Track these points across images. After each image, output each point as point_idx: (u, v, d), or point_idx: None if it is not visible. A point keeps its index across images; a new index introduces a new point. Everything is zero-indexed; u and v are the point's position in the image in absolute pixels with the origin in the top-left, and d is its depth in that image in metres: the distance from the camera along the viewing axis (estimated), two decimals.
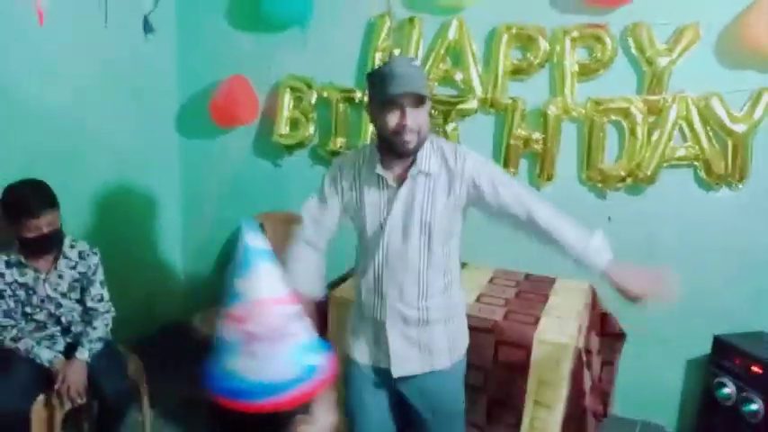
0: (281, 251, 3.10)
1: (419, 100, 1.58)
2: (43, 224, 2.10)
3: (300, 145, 3.04)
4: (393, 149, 1.62)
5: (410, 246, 1.68)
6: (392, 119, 1.58)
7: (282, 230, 3.12)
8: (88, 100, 2.75)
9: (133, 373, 2.37)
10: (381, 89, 1.57)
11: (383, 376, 1.79)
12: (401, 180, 1.66)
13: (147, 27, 3.02)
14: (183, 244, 3.45)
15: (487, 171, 1.68)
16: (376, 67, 1.81)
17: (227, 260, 3.27)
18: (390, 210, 1.67)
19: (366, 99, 1.80)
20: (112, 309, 2.35)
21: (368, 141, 2.82)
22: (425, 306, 1.72)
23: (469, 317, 2.17)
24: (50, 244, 2.17)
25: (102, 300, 2.33)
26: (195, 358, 2.99)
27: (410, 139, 1.59)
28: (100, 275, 2.32)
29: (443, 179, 1.66)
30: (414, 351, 1.75)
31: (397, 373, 1.75)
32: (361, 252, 1.79)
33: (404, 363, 1.75)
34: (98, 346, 2.25)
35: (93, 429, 2.38)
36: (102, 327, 2.28)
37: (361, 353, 1.81)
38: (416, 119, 1.59)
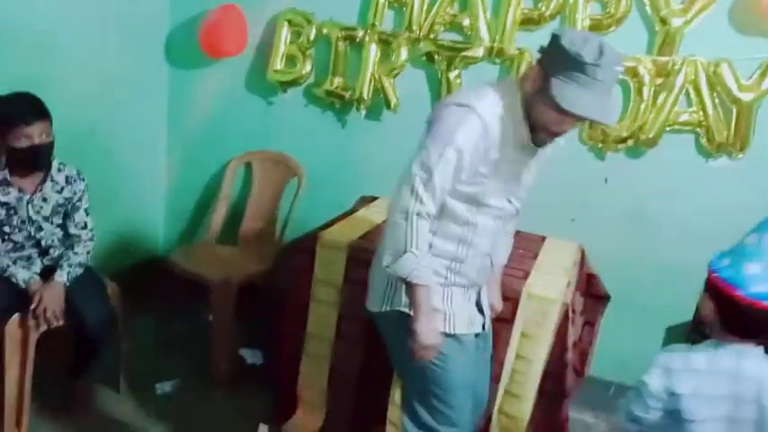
0: (268, 190, 3.06)
1: None
2: (35, 133, 2.00)
3: (295, 82, 2.93)
4: (531, 130, 1.49)
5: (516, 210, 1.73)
6: (549, 118, 1.42)
7: (272, 170, 3.06)
8: (73, 23, 2.60)
9: (112, 301, 2.32)
10: (566, 86, 1.34)
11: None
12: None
13: None
14: (167, 178, 3.36)
15: None
16: (575, 39, 1.35)
17: (211, 198, 3.19)
18: (521, 180, 1.63)
19: (541, 62, 1.43)
20: (95, 237, 2.29)
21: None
22: None
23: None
24: (40, 158, 2.07)
25: (85, 227, 2.27)
26: (170, 292, 3.00)
27: (551, 140, 1.51)
28: (85, 202, 2.26)
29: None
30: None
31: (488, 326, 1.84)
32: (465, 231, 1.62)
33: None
34: (78, 271, 2.19)
35: (71, 355, 2.34)
36: (83, 253, 2.23)
37: (464, 323, 1.71)
38: (572, 127, 1.47)
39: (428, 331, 1.56)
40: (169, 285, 2.82)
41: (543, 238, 2.55)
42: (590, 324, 2.56)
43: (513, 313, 2.06)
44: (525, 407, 2.10)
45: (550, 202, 2.64)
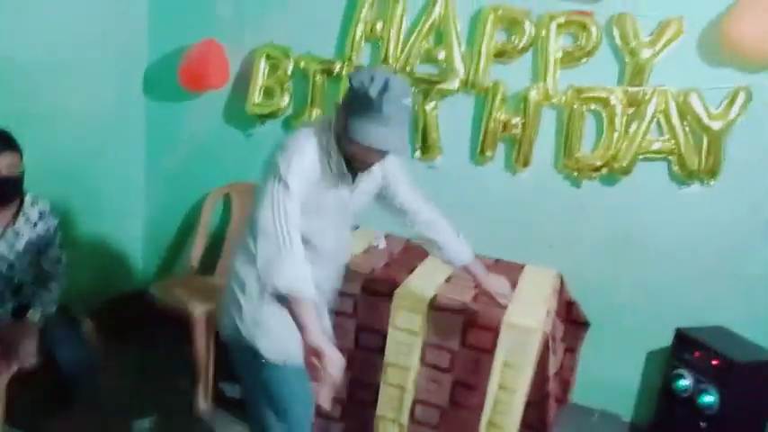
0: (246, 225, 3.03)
1: None
2: (2, 165, 1.98)
3: (273, 115, 2.94)
4: (346, 160, 1.59)
5: (346, 229, 1.80)
6: (356, 150, 1.52)
7: (250, 201, 3.04)
8: (51, 61, 2.59)
9: (89, 340, 2.28)
10: (357, 122, 1.45)
11: None
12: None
13: None
14: (145, 211, 3.33)
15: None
16: (363, 78, 1.46)
17: (190, 230, 3.16)
18: (347, 205, 1.69)
19: (341, 101, 1.57)
20: (66, 273, 2.26)
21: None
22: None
23: (439, 296, 2.16)
24: (9, 191, 2.05)
25: (59, 262, 2.24)
26: (150, 326, 2.94)
27: (362, 170, 1.62)
28: (59, 238, 2.24)
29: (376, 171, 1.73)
30: None
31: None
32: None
33: None
34: (51, 309, 2.16)
35: (45, 396, 2.28)
36: (56, 290, 2.20)
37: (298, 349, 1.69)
38: (381, 159, 1.57)
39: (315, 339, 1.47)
40: (149, 319, 2.77)
41: (522, 267, 2.57)
42: (570, 351, 2.57)
43: (494, 343, 2.07)
44: None
45: (528, 230, 2.68)
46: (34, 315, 2.10)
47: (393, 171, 1.82)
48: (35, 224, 2.16)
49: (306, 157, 1.54)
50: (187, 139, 3.17)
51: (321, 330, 1.50)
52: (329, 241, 1.70)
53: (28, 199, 2.15)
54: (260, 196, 1.54)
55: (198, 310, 2.55)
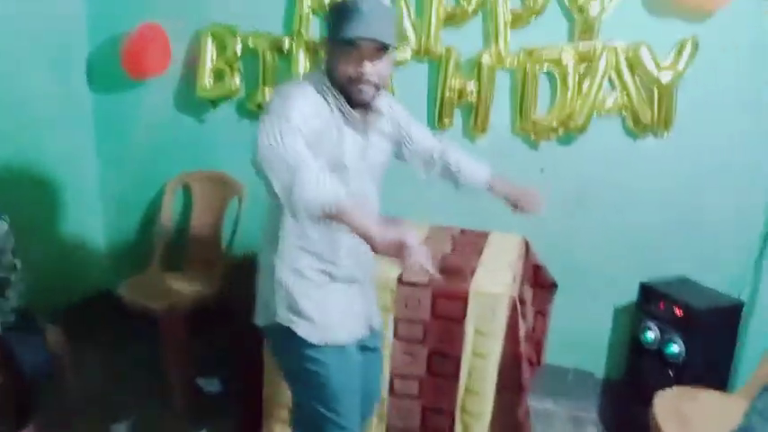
0: (209, 211, 2.97)
1: (383, 47, 1.46)
2: None
3: (226, 98, 2.86)
4: (346, 97, 1.52)
5: (373, 192, 1.69)
6: (349, 66, 1.48)
7: (211, 190, 2.98)
8: None
9: (54, 346, 2.21)
10: (341, 28, 1.44)
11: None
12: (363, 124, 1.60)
13: None
14: (102, 207, 3.23)
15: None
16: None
17: (151, 224, 3.08)
18: (365, 156, 1.61)
19: (321, 36, 1.59)
20: (24, 279, 2.18)
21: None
22: None
23: (405, 272, 2.15)
24: None
25: (14, 269, 2.15)
26: (120, 326, 2.88)
27: (367, 90, 1.50)
28: (11, 243, 2.14)
29: (386, 124, 1.69)
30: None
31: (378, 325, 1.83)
32: None
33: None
34: (11, 317, 2.09)
35: (11, 407, 2.21)
36: (14, 298, 2.12)
37: (346, 333, 1.68)
38: (377, 68, 1.49)
39: (384, 234, 1.36)
40: (118, 319, 2.72)
41: (487, 234, 2.57)
42: (541, 314, 2.60)
43: (464, 312, 2.07)
44: (486, 403, 2.11)
45: (491, 197, 2.67)
46: None
47: (401, 115, 1.78)
48: None
49: (304, 99, 1.45)
50: (139, 129, 3.07)
51: (377, 223, 1.38)
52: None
53: None
54: (256, 137, 1.37)
55: (165, 307, 2.50)
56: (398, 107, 1.79)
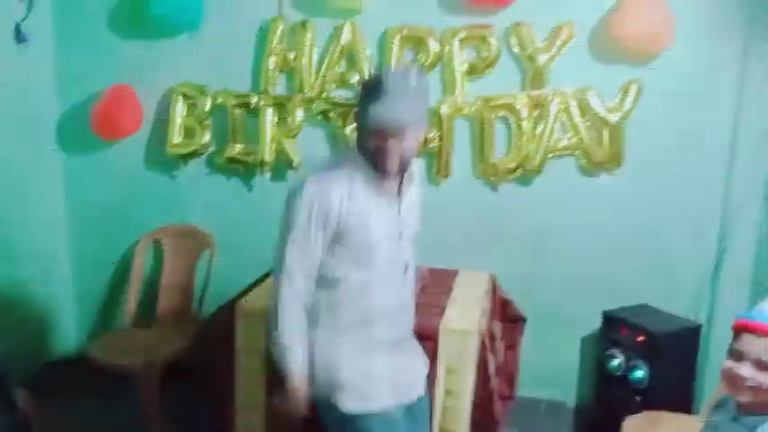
0: (180, 265, 2.99)
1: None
2: None
3: (196, 153, 2.94)
4: (374, 167, 1.58)
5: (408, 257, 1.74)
6: (375, 142, 1.53)
7: (182, 244, 3.02)
8: None
9: (24, 410, 2.20)
10: (366, 108, 1.50)
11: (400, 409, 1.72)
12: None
13: (20, 36, 2.80)
14: (73, 267, 3.22)
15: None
16: (372, 75, 1.59)
17: (122, 282, 3.10)
18: (401, 223, 1.66)
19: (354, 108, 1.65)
20: None
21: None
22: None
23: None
24: None
25: None
26: (93, 387, 2.83)
27: (390, 164, 1.55)
28: None
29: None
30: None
31: (421, 392, 1.80)
32: (355, 273, 1.63)
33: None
34: None
35: None
36: None
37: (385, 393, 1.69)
38: (402, 144, 1.53)
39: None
40: (90, 380, 2.69)
41: (455, 272, 2.66)
42: (511, 347, 2.67)
43: (435, 351, 2.13)
44: None
45: (457, 237, 2.79)
46: None
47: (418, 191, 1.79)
48: None
49: (329, 195, 1.55)
50: (110, 188, 3.10)
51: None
52: (392, 289, 1.67)
53: None
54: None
55: (138, 365, 2.51)
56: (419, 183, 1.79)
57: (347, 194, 1.57)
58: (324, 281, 1.63)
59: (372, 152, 1.55)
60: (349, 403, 1.65)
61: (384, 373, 1.70)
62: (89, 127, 2.86)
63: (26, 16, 2.81)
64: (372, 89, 1.50)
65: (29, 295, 2.98)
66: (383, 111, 1.48)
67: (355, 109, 1.63)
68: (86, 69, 2.99)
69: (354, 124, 1.65)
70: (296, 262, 1.59)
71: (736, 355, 1.32)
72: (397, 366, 1.74)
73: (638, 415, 2.20)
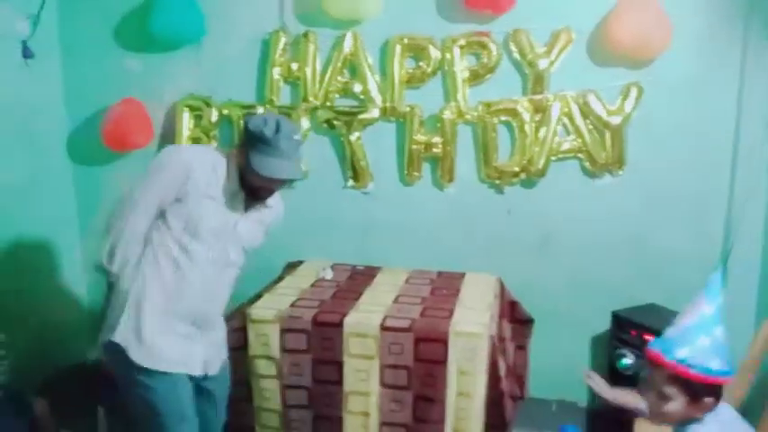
0: None
1: None
2: None
3: None
4: (248, 193, 1.81)
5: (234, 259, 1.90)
6: (258, 181, 1.75)
7: None
8: None
9: (40, 417, 2.23)
10: (258, 159, 1.69)
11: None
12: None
13: (27, 52, 2.85)
14: (85, 278, 3.26)
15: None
16: (258, 122, 1.72)
17: None
18: (234, 229, 1.83)
19: (240, 141, 1.81)
20: (8, 355, 2.22)
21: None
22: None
23: (388, 317, 2.24)
24: None
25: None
26: (108, 394, 2.85)
27: (266, 197, 1.84)
28: None
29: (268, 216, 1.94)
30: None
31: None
32: (179, 258, 1.79)
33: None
34: None
35: None
36: (0, 373, 2.15)
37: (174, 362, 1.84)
38: (279, 187, 1.82)
39: None
40: (106, 387, 2.70)
41: (463, 275, 2.69)
42: (520, 348, 2.70)
43: (445, 354, 2.15)
44: None
45: (463, 240, 2.82)
46: None
47: (277, 219, 2.02)
48: None
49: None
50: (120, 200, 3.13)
51: None
52: (205, 265, 1.81)
53: None
54: None
55: None
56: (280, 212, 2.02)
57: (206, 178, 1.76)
58: None
59: (254, 188, 1.79)
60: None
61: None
62: (99, 140, 2.90)
63: (32, 34, 2.86)
64: (264, 143, 1.69)
65: (43, 304, 3.01)
66: (277, 169, 1.70)
67: (239, 146, 1.79)
68: (94, 84, 3.02)
69: (240, 151, 1.78)
70: None
71: (645, 382, 1.38)
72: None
73: None
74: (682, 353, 1.35)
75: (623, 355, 2.54)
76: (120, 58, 2.98)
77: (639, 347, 2.49)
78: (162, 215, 1.76)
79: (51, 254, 3.07)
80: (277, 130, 1.70)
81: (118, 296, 1.81)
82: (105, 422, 2.49)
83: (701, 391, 1.34)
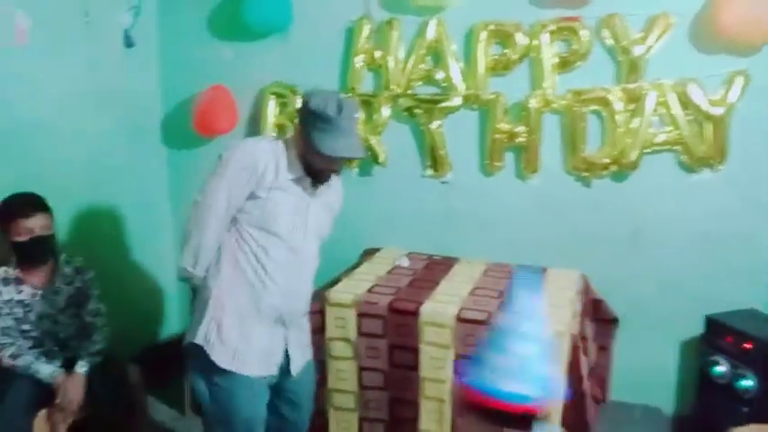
0: None
1: None
2: (35, 226, 2.12)
3: None
4: (311, 175, 1.80)
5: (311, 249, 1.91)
6: (320, 163, 1.76)
7: None
8: (72, 117, 2.75)
9: (133, 385, 2.37)
10: (319, 137, 1.69)
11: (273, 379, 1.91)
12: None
13: (128, 41, 3.02)
14: (176, 253, 3.42)
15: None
16: (319, 102, 1.69)
17: None
18: (307, 215, 1.84)
19: (299, 121, 1.80)
20: (108, 323, 2.37)
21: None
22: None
23: (464, 309, 2.21)
24: (44, 249, 2.18)
25: (99, 314, 2.35)
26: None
27: (327, 178, 1.82)
28: (95, 290, 2.36)
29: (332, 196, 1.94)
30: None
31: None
32: (259, 256, 1.80)
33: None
34: (97, 359, 2.27)
35: None
36: (100, 340, 2.31)
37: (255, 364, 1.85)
38: (342, 163, 1.83)
39: None
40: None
41: (544, 270, 2.60)
42: (603, 349, 2.59)
43: None
44: None
45: (546, 234, 2.73)
46: (82, 367, 2.20)
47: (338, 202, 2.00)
48: (72, 280, 2.28)
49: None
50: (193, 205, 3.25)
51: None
52: (284, 261, 1.81)
53: (62, 258, 2.27)
54: None
55: None
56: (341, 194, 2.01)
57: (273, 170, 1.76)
58: None
59: (317, 170, 1.78)
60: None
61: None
62: (190, 125, 3.03)
63: (133, 23, 3.02)
64: (325, 121, 1.67)
65: (137, 280, 3.20)
66: (339, 146, 1.70)
67: (299, 126, 1.78)
68: (187, 71, 3.16)
69: (301, 132, 1.77)
70: None
71: None
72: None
73: (745, 428, 2.06)
74: None
75: (716, 363, 2.37)
76: (213, 46, 3.09)
77: (736, 355, 2.32)
78: (236, 217, 1.77)
79: (146, 233, 3.25)
80: (339, 108, 1.69)
81: (200, 300, 1.84)
82: (190, 396, 2.62)
83: None
